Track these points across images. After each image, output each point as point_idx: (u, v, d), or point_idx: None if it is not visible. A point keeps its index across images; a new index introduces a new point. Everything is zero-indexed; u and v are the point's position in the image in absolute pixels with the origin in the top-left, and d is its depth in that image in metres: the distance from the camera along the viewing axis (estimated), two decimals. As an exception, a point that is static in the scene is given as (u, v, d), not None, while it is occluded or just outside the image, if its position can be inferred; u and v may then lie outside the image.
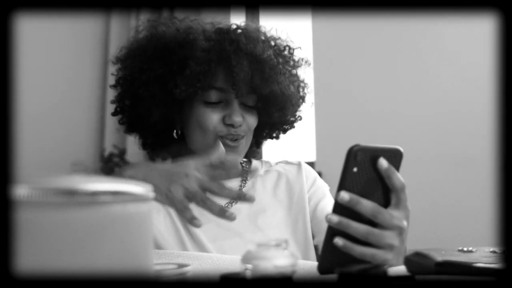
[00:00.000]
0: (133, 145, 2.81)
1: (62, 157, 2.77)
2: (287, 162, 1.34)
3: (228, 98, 1.18)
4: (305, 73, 1.33)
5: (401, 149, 0.78)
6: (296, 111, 1.31)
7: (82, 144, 2.92)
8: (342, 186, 0.74)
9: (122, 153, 2.81)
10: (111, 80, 3.10)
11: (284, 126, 1.34)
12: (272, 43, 1.27)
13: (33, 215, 0.40)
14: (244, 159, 1.34)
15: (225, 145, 1.18)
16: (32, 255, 0.39)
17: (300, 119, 1.35)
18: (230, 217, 0.99)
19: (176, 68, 1.17)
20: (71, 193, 0.41)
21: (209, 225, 1.20)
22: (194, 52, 1.16)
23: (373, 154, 0.75)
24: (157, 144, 1.30)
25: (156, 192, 0.95)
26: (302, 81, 1.31)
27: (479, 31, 2.54)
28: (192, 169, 1.01)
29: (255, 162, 1.34)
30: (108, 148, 2.84)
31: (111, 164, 2.78)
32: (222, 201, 1.24)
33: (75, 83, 2.93)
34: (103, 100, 2.95)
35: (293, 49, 1.29)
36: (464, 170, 2.52)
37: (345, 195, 0.74)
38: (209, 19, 1.29)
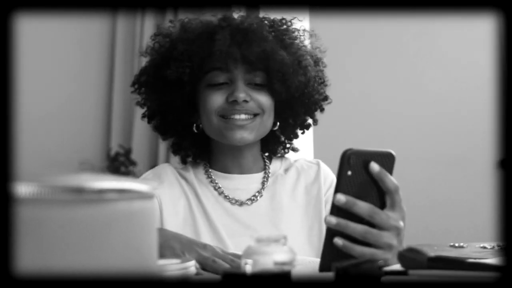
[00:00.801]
0: (138, 144, 2.83)
1: (70, 156, 2.78)
2: (306, 161, 1.31)
3: (232, 77, 1.16)
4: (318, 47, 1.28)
5: (393, 153, 0.79)
6: (307, 85, 1.22)
7: (89, 144, 2.93)
8: (338, 189, 0.75)
9: (127, 152, 2.82)
10: (117, 80, 3.09)
11: (306, 107, 1.26)
12: (263, 18, 1.24)
13: (43, 212, 0.40)
14: (266, 155, 1.31)
15: (231, 124, 1.16)
16: (41, 251, 0.40)
17: (326, 99, 1.28)
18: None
19: (168, 53, 1.18)
20: (79, 191, 0.42)
21: (229, 221, 1.19)
22: (181, 34, 1.18)
23: (366, 158, 0.76)
24: (182, 144, 1.29)
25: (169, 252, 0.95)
26: (303, 52, 1.24)
27: (476, 32, 2.54)
28: (213, 247, 0.98)
29: (274, 160, 1.32)
30: (114, 148, 2.85)
31: (117, 163, 2.78)
32: (244, 197, 1.23)
33: (82, 83, 2.94)
34: (109, 100, 2.95)
35: (290, 22, 1.25)
36: (455, 169, 2.52)
37: (341, 197, 0.75)
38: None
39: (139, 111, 1.35)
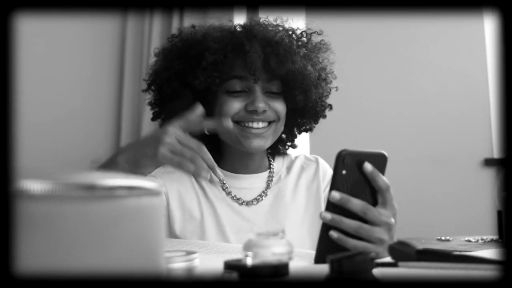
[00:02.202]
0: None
1: (81, 156, 2.79)
2: (305, 158, 1.32)
3: (250, 86, 1.16)
4: (328, 58, 1.28)
5: (386, 153, 0.80)
6: (321, 96, 1.26)
7: (100, 143, 2.94)
8: (333, 186, 0.77)
9: (136, 151, 2.82)
10: (127, 81, 3.08)
11: (314, 114, 1.29)
12: (288, 29, 1.23)
13: (56, 208, 0.41)
14: (269, 152, 1.32)
15: (247, 132, 1.16)
16: (55, 245, 0.40)
17: (330, 108, 1.31)
18: (217, 175, 0.97)
19: (194, 62, 1.17)
20: (91, 188, 0.43)
21: (236, 218, 1.21)
22: (209, 44, 1.16)
23: (359, 158, 0.78)
24: None
25: (149, 159, 0.94)
26: (324, 65, 1.27)
27: (466, 34, 2.54)
28: (171, 128, 0.97)
29: (277, 158, 1.33)
30: (124, 147, 2.85)
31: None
32: (250, 196, 1.24)
33: (93, 84, 2.95)
34: (119, 101, 2.95)
35: (310, 34, 1.26)
36: (442, 169, 2.53)
37: (336, 195, 0.76)
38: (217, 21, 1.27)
39: (147, 112, 1.35)
